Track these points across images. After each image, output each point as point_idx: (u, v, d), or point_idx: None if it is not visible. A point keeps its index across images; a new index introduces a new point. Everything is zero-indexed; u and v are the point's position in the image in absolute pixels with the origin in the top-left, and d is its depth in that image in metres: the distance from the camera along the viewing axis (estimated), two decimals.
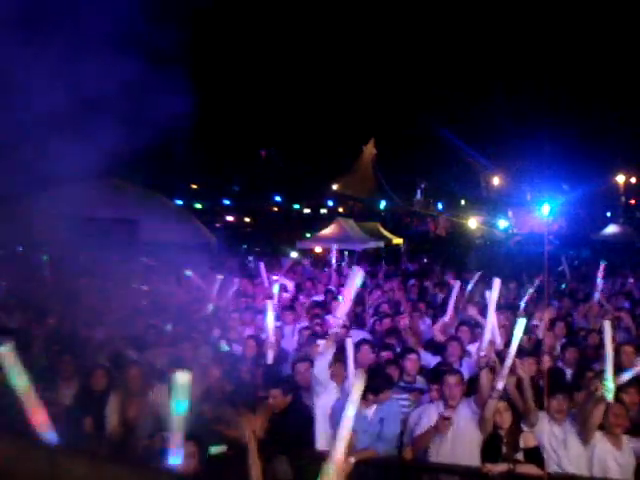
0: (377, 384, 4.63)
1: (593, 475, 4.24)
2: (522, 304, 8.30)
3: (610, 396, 4.12)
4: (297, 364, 5.33)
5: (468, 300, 8.46)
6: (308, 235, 22.36)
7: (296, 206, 35.69)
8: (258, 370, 5.75)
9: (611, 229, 27.71)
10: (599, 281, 8.95)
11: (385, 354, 5.79)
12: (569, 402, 4.52)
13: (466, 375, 4.98)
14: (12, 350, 2.86)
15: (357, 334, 7.30)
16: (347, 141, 38.74)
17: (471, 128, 36.65)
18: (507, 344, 5.42)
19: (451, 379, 4.55)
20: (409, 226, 32.68)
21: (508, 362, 4.19)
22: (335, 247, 13.51)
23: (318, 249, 20.16)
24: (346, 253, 17.82)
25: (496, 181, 41.29)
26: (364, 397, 4.62)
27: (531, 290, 8.83)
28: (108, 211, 13.31)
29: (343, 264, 12.06)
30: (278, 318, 7.33)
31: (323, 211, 35.14)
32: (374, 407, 4.66)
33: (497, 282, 4.84)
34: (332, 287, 10.72)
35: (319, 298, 9.97)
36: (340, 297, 9.09)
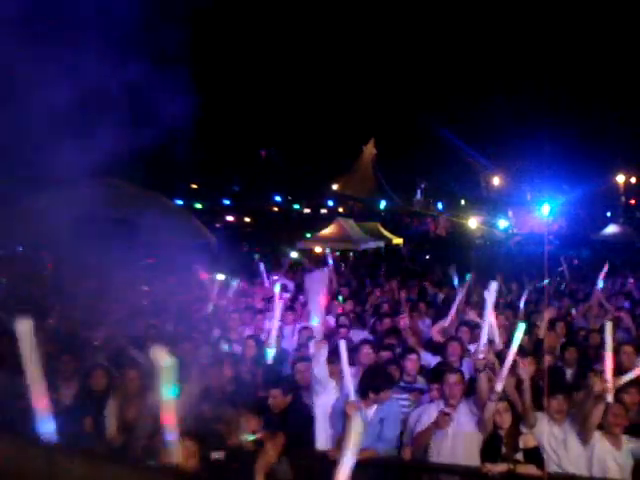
0: (378, 383, 4.64)
1: (593, 475, 4.24)
2: (522, 304, 8.30)
3: (609, 396, 4.12)
4: (297, 364, 5.33)
5: (466, 300, 8.47)
6: (308, 235, 22.34)
7: (296, 206, 35.66)
8: (258, 370, 5.75)
9: (611, 229, 27.69)
10: (599, 281, 8.95)
11: (385, 354, 5.79)
12: (569, 402, 4.52)
13: (467, 375, 4.98)
14: (29, 325, 2.88)
15: (357, 334, 7.31)
16: (347, 141, 38.73)
17: (471, 128, 36.68)
18: (507, 344, 5.42)
19: (451, 378, 4.55)
20: (409, 226, 32.66)
21: (507, 364, 4.19)
22: (329, 248, 13.51)
23: (318, 249, 20.16)
24: (351, 254, 17.85)
25: (496, 181, 41.29)
26: (365, 396, 4.62)
27: (530, 289, 8.84)
28: (108, 211, 13.30)
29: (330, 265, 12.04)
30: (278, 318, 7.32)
31: (323, 211, 35.11)
32: (374, 407, 4.66)
33: (494, 285, 4.83)
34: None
35: None
36: (340, 297, 9.14)
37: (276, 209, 34.44)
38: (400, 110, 38.61)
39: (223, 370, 5.30)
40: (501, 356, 4.56)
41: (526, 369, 4.42)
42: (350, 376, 4.53)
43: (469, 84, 38.87)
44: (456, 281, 9.63)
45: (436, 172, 38.98)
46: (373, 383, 4.66)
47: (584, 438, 4.28)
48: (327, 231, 21.28)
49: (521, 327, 4.23)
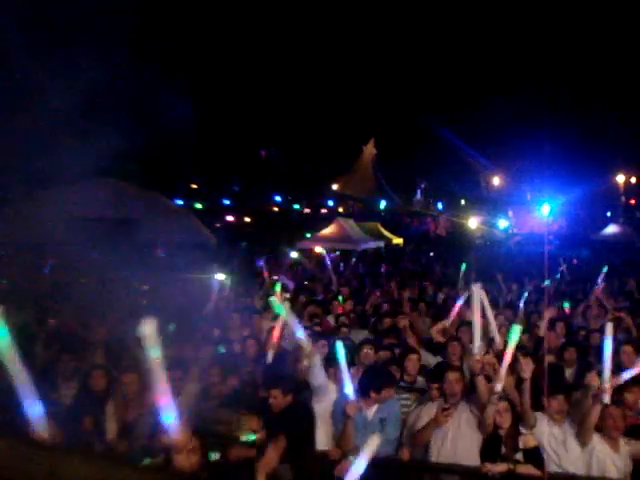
0: (379, 382, 4.64)
1: (592, 475, 4.24)
2: (522, 304, 8.31)
3: (607, 397, 4.11)
4: (297, 364, 5.32)
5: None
6: (308, 235, 22.34)
7: (296, 206, 35.64)
8: (258, 370, 5.74)
9: (611, 229, 27.71)
10: (600, 281, 8.96)
11: (385, 354, 5.79)
12: (569, 403, 4.52)
13: (467, 374, 4.98)
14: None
15: (358, 334, 7.31)
16: (347, 141, 38.72)
17: (471, 128, 36.69)
18: (507, 344, 5.41)
19: (451, 376, 4.55)
20: (409, 226, 32.67)
21: (505, 364, 4.18)
22: (326, 249, 13.50)
23: (318, 249, 20.15)
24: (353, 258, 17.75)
25: (496, 181, 41.32)
26: (366, 396, 4.62)
27: (530, 289, 8.84)
28: (108, 211, 13.31)
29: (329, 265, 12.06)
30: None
31: (323, 211, 35.09)
32: (375, 407, 4.66)
33: (478, 287, 4.79)
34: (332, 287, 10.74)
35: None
36: (340, 297, 9.14)
37: (276, 209, 34.41)
38: (400, 110, 38.64)
39: (223, 371, 5.30)
40: (501, 356, 4.56)
41: (528, 368, 4.41)
42: (350, 376, 4.53)
43: (469, 84, 38.91)
44: (461, 282, 9.61)
45: (436, 172, 38.99)
46: (374, 382, 4.66)
47: (582, 440, 4.28)
48: (327, 231, 21.28)
49: (516, 329, 4.21)
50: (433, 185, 40.48)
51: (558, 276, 12.38)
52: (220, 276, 8.75)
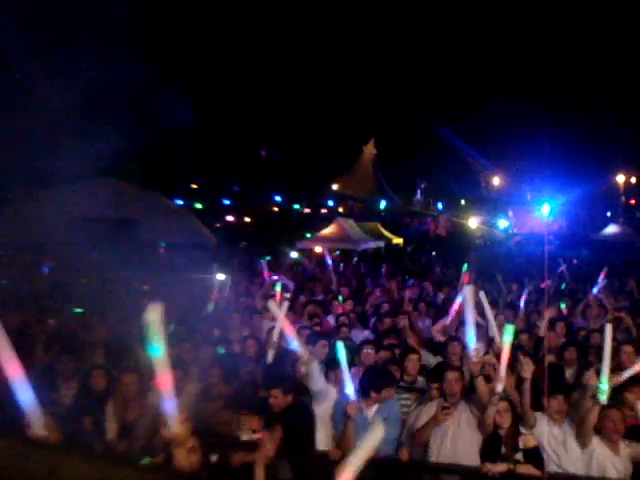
0: (379, 382, 4.64)
1: (592, 475, 4.24)
2: (522, 304, 8.31)
3: (604, 398, 4.11)
4: (297, 364, 5.32)
5: None
6: (308, 235, 22.34)
7: (296, 206, 35.63)
8: (258, 370, 5.74)
9: (611, 229, 27.70)
10: (600, 281, 8.96)
11: (385, 354, 5.79)
12: (569, 403, 4.52)
13: (467, 374, 4.98)
14: None
15: (358, 334, 7.32)
16: (347, 141, 38.72)
17: (471, 128, 36.69)
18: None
19: (451, 375, 4.55)
20: (409, 226, 32.67)
21: (504, 364, 4.18)
22: (327, 249, 13.49)
23: (318, 249, 20.16)
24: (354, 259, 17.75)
25: (496, 181, 41.32)
26: (366, 396, 4.62)
27: (530, 289, 8.84)
28: (108, 211, 13.31)
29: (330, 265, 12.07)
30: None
31: (323, 211, 35.09)
32: (375, 407, 4.66)
33: (468, 288, 4.79)
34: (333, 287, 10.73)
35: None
36: (340, 297, 9.14)
37: (276, 209, 34.40)
38: (400, 110, 38.63)
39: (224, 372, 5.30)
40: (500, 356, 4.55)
41: (529, 368, 4.40)
42: (351, 377, 4.53)
43: (469, 84, 38.91)
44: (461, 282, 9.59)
45: (436, 172, 38.97)
46: (375, 382, 4.66)
47: (582, 442, 4.27)
48: (327, 231, 21.28)
49: (510, 329, 4.21)
50: (433, 185, 40.47)
51: (557, 277, 12.38)
52: (220, 276, 8.75)
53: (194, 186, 33.25)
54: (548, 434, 4.40)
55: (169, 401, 2.87)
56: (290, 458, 4.38)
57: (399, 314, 7.49)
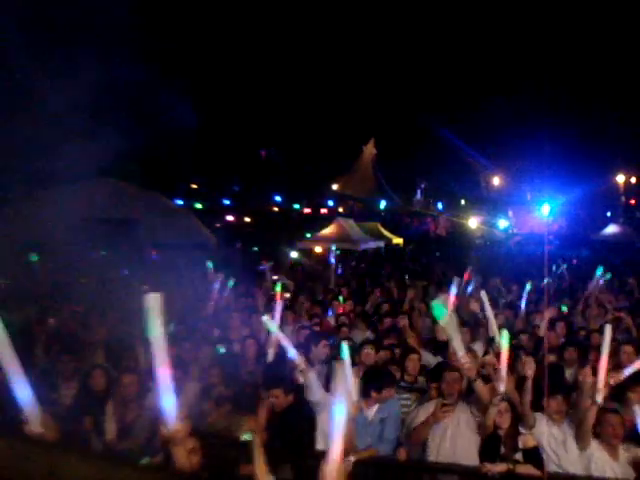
0: (380, 382, 4.64)
1: (592, 475, 4.23)
2: (523, 304, 8.30)
3: (600, 396, 4.09)
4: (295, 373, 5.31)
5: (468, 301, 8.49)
6: (308, 235, 22.34)
7: (296, 206, 35.63)
8: (258, 370, 5.74)
9: (611, 229, 27.68)
10: (599, 281, 8.96)
11: (385, 354, 5.79)
12: (568, 403, 4.51)
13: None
14: None
15: (358, 334, 7.31)
16: (347, 141, 38.73)
17: (471, 128, 36.69)
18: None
19: (449, 376, 4.55)
20: (409, 226, 32.66)
21: (503, 366, 4.18)
22: (334, 247, 13.47)
23: (318, 249, 20.16)
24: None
25: (496, 181, 41.31)
26: (366, 395, 4.62)
27: (530, 288, 8.83)
28: (108, 211, 13.31)
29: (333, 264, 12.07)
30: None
31: (323, 211, 35.09)
32: (375, 407, 4.66)
33: (454, 288, 4.81)
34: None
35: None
36: (341, 297, 9.14)
37: (276, 209, 34.40)
38: (400, 110, 38.64)
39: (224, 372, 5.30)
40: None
41: (531, 367, 4.39)
42: (353, 377, 4.53)
43: (469, 84, 38.91)
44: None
45: (436, 172, 38.98)
46: (375, 382, 4.67)
47: (581, 444, 4.25)
48: (327, 231, 21.27)
49: (506, 335, 4.21)
50: (433, 185, 40.47)
51: (557, 277, 12.37)
52: (220, 276, 8.75)
53: (194, 186, 33.26)
54: (548, 434, 4.39)
55: (168, 397, 2.86)
56: (290, 458, 4.38)
57: (399, 314, 7.49)
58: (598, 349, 5.84)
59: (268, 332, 6.04)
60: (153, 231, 13.82)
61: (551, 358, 5.76)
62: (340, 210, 34.83)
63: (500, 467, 4.09)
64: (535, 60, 36.78)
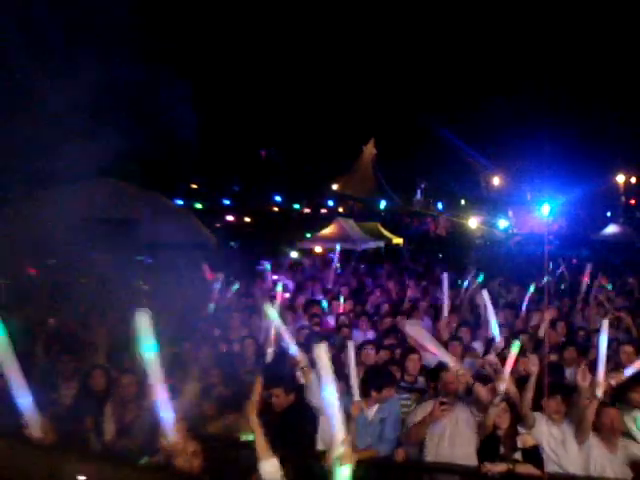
0: (379, 381, 4.63)
1: (591, 475, 4.23)
2: (524, 304, 8.30)
3: (599, 391, 4.10)
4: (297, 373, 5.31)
5: (469, 300, 8.50)
6: (308, 235, 22.34)
7: (296, 206, 35.62)
8: (257, 370, 5.73)
9: (611, 229, 27.67)
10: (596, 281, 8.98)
11: (385, 354, 5.79)
12: (568, 403, 4.50)
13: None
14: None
15: (359, 335, 7.32)
16: (347, 141, 38.72)
17: (471, 128, 36.67)
18: (507, 341, 5.42)
19: (446, 376, 4.55)
20: (409, 226, 32.65)
21: (508, 368, 4.17)
22: (339, 247, 13.47)
23: (318, 249, 20.16)
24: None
25: (496, 181, 41.30)
26: (367, 395, 4.62)
27: (531, 289, 8.84)
28: (108, 211, 13.30)
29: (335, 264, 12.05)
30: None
31: (323, 211, 35.08)
32: (375, 407, 4.66)
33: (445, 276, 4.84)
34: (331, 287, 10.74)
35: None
36: (341, 297, 9.14)
37: (276, 209, 34.40)
38: (400, 110, 38.62)
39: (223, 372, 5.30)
40: (502, 355, 4.55)
41: (535, 364, 4.39)
42: (355, 377, 4.53)
43: (469, 84, 38.90)
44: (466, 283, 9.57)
45: (436, 172, 38.96)
46: (375, 381, 4.66)
47: (580, 438, 4.26)
48: (327, 231, 21.27)
49: (516, 346, 4.23)
50: (433, 185, 40.47)
51: (557, 277, 12.36)
52: (220, 276, 8.75)
53: (194, 186, 33.24)
54: (547, 434, 4.39)
55: (165, 410, 2.85)
56: (291, 458, 4.37)
57: (399, 314, 7.49)
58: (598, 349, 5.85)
59: (267, 332, 6.04)
60: (153, 231, 13.81)
61: (553, 357, 5.77)
62: (340, 210, 34.82)
63: (500, 467, 4.09)
64: (535, 60, 36.79)
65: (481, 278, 9.42)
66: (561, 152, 33.14)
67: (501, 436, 4.28)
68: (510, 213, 32.59)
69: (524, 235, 27.93)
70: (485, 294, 6.28)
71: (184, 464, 3.03)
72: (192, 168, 29.51)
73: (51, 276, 10.24)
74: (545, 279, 9.44)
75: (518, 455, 4.21)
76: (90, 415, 4.72)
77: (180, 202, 22.89)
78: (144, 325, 2.85)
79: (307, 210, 35.61)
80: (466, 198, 39.53)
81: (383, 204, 36.18)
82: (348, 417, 4.36)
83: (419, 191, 40.72)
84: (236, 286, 8.97)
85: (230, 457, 3.92)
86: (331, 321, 8.23)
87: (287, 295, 9.60)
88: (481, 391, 4.30)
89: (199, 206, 27.66)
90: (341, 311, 8.46)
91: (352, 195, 38.12)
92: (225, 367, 5.51)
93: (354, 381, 4.46)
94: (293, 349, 4.86)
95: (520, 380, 4.55)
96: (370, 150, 40.53)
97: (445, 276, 7.44)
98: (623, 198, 37.07)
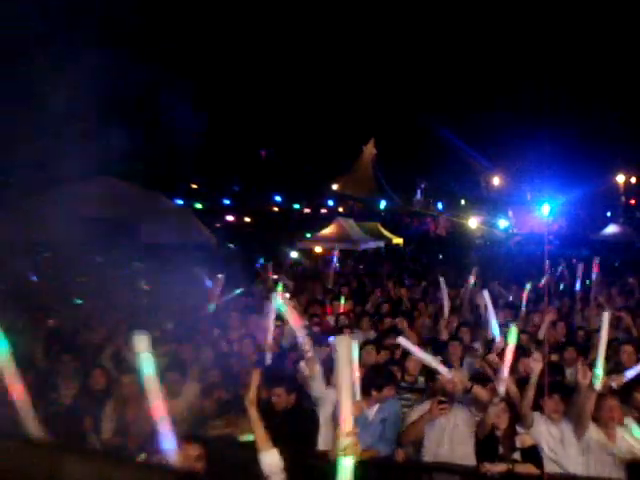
0: (379, 381, 4.63)
1: (591, 475, 4.23)
2: (524, 304, 8.30)
3: (598, 384, 4.09)
4: (299, 363, 5.31)
5: (469, 300, 8.50)
6: (308, 235, 22.35)
7: (296, 206, 35.63)
8: (258, 369, 5.72)
9: (611, 229, 27.67)
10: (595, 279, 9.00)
11: (385, 354, 5.79)
12: (567, 403, 4.50)
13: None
14: None
15: (359, 335, 7.31)
16: (347, 141, 38.73)
17: (471, 128, 36.67)
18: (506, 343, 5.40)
19: (443, 377, 4.54)
20: (409, 226, 32.67)
21: (507, 366, 4.17)
22: (337, 248, 13.49)
23: (318, 249, 20.16)
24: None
25: (496, 181, 41.31)
26: (367, 394, 4.61)
27: (529, 288, 8.84)
28: (108, 211, 13.31)
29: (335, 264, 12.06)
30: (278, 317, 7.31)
31: (323, 211, 35.09)
32: (376, 407, 4.66)
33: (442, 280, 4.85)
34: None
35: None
36: (342, 297, 9.13)
37: (276, 209, 34.41)
38: (400, 110, 38.63)
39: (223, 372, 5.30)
40: (502, 355, 4.55)
41: (538, 363, 4.38)
42: (356, 377, 4.53)
43: (469, 84, 38.91)
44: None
45: (436, 172, 38.96)
46: (375, 381, 4.66)
47: (579, 432, 4.26)
48: (327, 231, 21.28)
49: (514, 330, 4.22)
50: (433, 185, 40.48)
51: (557, 276, 12.36)
52: (220, 276, 8.75)
53: (194, 186, 33.26)
54: (546, 433, 4.39)
55: (165, 434, 2.83)
56: (291, 458, 4.37)
57: (399, 314, 7.49)
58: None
59: (266, 332, 6.04)
60: (153, 231, 13.82)
61: (554, 357, 5.77)
62: (340, 210, 34.83)
63: (500, 467, 4.08)
64: (535, 60, 36.81)
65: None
66: (561, 152, 33.18)
67: (500, 436, 4.28)
68: (510, 213, 32.60)
69: (524, 235, 27.95)
70: (485, 294, 6.28)
71: (187, 466, 3.04)
72: (192, 168, 29.52)
73: (51, 276, 10.25)
74: (544, 279, 9.44)
75: (517, 455, 4.21)
76: (90, 415, 4.72)
77: (180, 202, 22.90)
78: (143, 348, 2.83)
79: (307, 210, 35.62)
80: (466, 198, 39.54)
81: (383, 204, 36.19)
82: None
83: (419, 191, 40.73)
84: (238, 291, 8.96)
85: (230, 457, 3.92)
86: (331, 321, 8.23)
87: (287, 295, 9.59)
88: (480, 392, 4.30)
89: (199, 206, 27.67)
90: (341, 311, 8.45)
91: (352, 195, 38.13)
92: (225, 367, 5.51)
93: (355, 381, 4.46)
94: (301, 337, 4.84)
95: (520, 381, 4.54)
96: (370, 150, 40.54)
97: (442, 280, 7.46)
98: (623, 198, 37.08)
